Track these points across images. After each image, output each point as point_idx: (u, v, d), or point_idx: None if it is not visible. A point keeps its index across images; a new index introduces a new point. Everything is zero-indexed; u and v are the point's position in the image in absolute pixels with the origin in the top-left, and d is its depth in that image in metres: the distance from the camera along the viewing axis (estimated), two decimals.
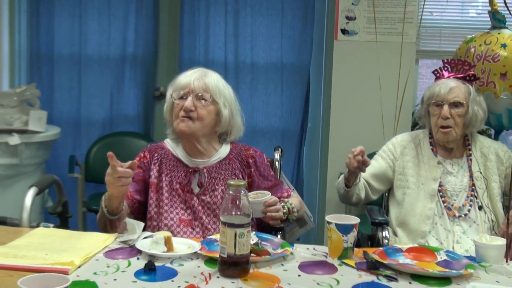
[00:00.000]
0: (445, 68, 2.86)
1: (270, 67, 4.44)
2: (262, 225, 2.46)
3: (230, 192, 1.80)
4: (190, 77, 2.41)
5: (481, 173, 2.76)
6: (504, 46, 2.93)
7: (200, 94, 2.38)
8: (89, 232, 2.19)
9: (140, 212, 2.43)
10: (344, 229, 1.97)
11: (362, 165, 2.55)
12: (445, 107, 2.72)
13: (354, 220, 2.00)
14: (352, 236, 1.98)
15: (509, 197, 2.60)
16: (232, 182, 1.82)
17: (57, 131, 4.19)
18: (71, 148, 4.50)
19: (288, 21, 4.39)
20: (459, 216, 2.70)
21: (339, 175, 4.19)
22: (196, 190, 2.42)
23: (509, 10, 2.87)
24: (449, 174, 2.77)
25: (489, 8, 3.34)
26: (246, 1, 4.39)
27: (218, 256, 1.84)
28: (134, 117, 4.61)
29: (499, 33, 3.06)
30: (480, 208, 2.72)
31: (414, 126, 4.17)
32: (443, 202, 2.72)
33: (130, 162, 2.09)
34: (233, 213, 1.78)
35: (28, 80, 4.49)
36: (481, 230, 2.67)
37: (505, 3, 2.84)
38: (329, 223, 1.99)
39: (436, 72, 2.88)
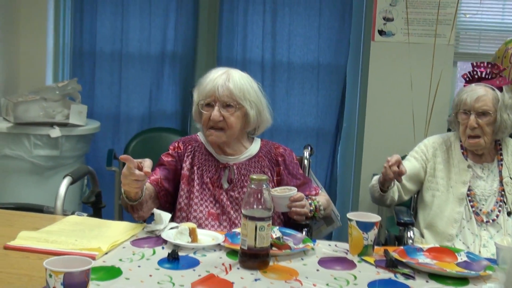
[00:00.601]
0: (475, 73, 2.83)
1: (306, 67, 4.43)
2: (290, 222, 2.47)
3: (252, 186, 1.84)
4: (215, 84, 2.41)
5: (511, 178, 2.74)
6: None
7: (226, 102, 2.39)
8: (119, 221, 2.26)
9: (167, 201, 2.47)
10: (365, 226, 1.99)
11: (398, 176, 2.52)
12: (472, 117, 2.69)
13: (375, 218, 2.02)
14: (372, 233, 1.99)
15: None
16: (254, 176, 1.86)
17: (96, 125, 4.26)
18: (110, 142, 4.55)
19: (326, 21, 4.38)
20: (487, 222, 2.68)
21: (372, 175, 4.19)
22: (226, 185, 2.46)
23: None
24: (479, 179, 2.75)
25: None
26: (284, 0, 4.39)
27: (237, 248, 1.90)
28: (172, 114, 4.64)
29: None
30: (509, 214, 2.69)
31: (450, 129, 4.16)
32: (472, 206, 2.71)
33: (145, 170, 2.09)
34: (255, 206, 1.81)
35: (71, 75, 4.56)
36: (496, 241, 2.64)
37: None
38: (350, 220, 2.01)
39: (465, 77, 2.86)
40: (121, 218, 4.29)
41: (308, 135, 4.40)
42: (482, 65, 2.82)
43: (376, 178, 2.82)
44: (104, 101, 4.59)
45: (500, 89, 2.74)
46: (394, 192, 2.80)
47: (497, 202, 2.71)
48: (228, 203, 2.44)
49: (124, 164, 2.05)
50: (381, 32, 4.20)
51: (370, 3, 4.24)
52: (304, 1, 4.39)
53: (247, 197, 1.84)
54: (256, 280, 1.74)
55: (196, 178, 2.46)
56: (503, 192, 2.72)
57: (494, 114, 2.69)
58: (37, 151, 3.90)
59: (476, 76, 2.81)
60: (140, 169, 2.08)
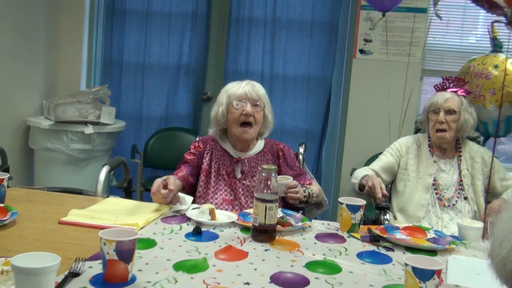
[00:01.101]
0: (444, 84, 2.90)
1: (298, 79, 4.44)
2: (288, 205, 2.50)
3: (263, 174, 1.90)
4: (245, 88, 2.47)
5: (468, 171, 2.80)
6: (496, 66, 2.93)
7: (255, 102, 2.46)
8: (148, 202, 2.30)
9: (191, 191, 2.49)
10: (353, 208, 2.04)
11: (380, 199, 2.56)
12: (441, 114, 2.76)
13: (361, 202, 2.08)
14: (359, 214, 2.05)
15: (487, 191, 2.67)
16: (264, 166, 1.91)
17: (122, 124, 4.27)
18: (133, 138, 4.57)
19: (316, 41, 4.39)
20: (448, 206, 2.74)
21: (351, 170, 4.25)
22: (239, 176, 2.50)
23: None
24: (442, 171, 2.80)
25: (489, 35, 3.37)
26: (281, 23, 4.40)
27: (251, 225, 1.94)
28: (185, 116, 4.65)
29: (495, 56, 3.03)
30: (466, 199, 2.75)
31: (417, 131, 4.21)
32: (436, 194, 2.76)
33: (170, 188, 2.15)
34: (265, 191, 1.87)
35: (101, 82, 4.57)
36: (458, 221, 2.69)
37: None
38: (341, 203, 2.07)
39: (436, 86, 2.92)
40: (142, 200, 4.35)
41: (299, 136, 4.41)
42: (450, 78, 2.88)
43: (357, 177, 2.82)
44: (129, 104, 4.61)
45: (464, 97, 2.82)
46: None
47: (456, 190, 2.76)
48: (240, 190, 2.48)
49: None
50: (361, 51, 4.22)
51: (353, 27, 4.26)
52: (298, 24, 4.40)
53: (259, 183, 1.90)
54: (266, 250, 1.80)
55: (213, 171, 2.50)
56: (461, 183, 2.77)
57: (459, 113, 2.75)
58: (73, 145, 3.93)
59: (445, 86, 2.87)
60: (165, 186, 2.15)
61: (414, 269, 1.40)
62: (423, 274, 1.40)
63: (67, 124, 3.93)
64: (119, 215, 2.04)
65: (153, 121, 4.63)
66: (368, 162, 4.13)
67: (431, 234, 2.07)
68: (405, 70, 4.10)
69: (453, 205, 2.74)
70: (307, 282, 1.55)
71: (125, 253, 1.44)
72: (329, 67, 4.42)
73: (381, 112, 4.17)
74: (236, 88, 2.50)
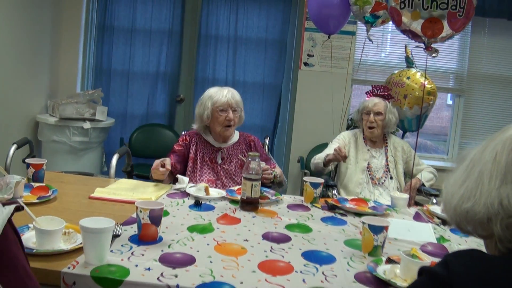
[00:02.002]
0: (373, 91, 3.10)
1: (255, 85, 4.53)
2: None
3: (249, 159, 2.03)
4: (227, 97, 2.55)
5: (392, 157, 3.02)
6: (408, 78, 3.16)
7: (234, 108, 2.55)
8: (151, 182, 2.38)
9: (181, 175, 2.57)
10: (315, 185, 2.20)
11: (344, 158, 2.75)
12: (371, 115, 2.94)
13: (321, 180, 2.23)
14: (319, 190, 2.20)
15: (411, 173, 2.89)
16: (251, 153, 2.06)
17: (112, 121, 4.27)
18: (119, 132, 4.56)
19: (269, 55, 4.49)
20: (378, 184, 2.92)
21: (298, 158, 4.45)
22: (219, 161, 2.59)
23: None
24: (374, 157, 2.98)
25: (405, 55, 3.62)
26: (241, 40, 4.48)
27: (239, 198, 2.08)
28: (163, 114, 4.66)
29: (408, 70, 3.24)
30: (391, 178, 2.95)
31: (348, 127, 4.44)
32: (369, 174, 2.94)
33: (167, 167, 2.24)
34: (251, 172, 2.02)
35: (93, 85, 4.53)
36: (390, 193, 2.89)
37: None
38: (305, 181, 2.22)
39: (367, 93, 3.12)
40: None
41: (256, 130, 4.49)
42: (377, 86, 3.08)
43: (320, 157, 2.93)
44: (116, 104, 4.58)
45: (388, 101, 3.03)
46: (330, 166, 2.99)
47: (384, 172, 2.94)
48: (222, 172, 2.58)
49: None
50: (305, 64, 4.39)
51: (298, 44, 4.40)
52: (255, 41, 4.49)
53: (246, 165, 2.04)
54: (253, 217, 1.95)
55: (198, 158, 2.58)
56: (388, 166, 2.96)
57: (384, 114, 2.94)
58: (74, 138, 3.91)
59: (374, 93, 3.06)
60: (163, 165, 2.24)
61: (370, 226, 1.59)
62: (376, 229, 1.59)
63: (69, 120, 3.91)
64: (134, 191, 2.13)
65: (136, 118, 4.62)
66: (311, 151, 4.37)
67: (371, 204, 2.26)
68: (338, 79, 4.32)
69: (382, 183, 2.92)
70: (289, 238, 1.72)
71: (156, 218, 1.57)
72: (279, 75, 4.54)
73: (320, 112, 4.37)
74: (220, 96, 2.56)
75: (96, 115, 3.98)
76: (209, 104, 2.56)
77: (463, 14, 2.10)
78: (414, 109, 3.03)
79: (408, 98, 3.16)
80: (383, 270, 1.44)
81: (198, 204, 2.04)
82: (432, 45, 2.14)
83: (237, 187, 2.35)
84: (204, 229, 1.73)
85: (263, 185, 2.55)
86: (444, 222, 2.08)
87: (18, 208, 0.73)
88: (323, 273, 1.42)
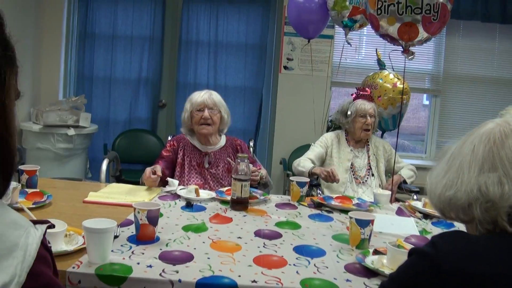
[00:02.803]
0: (358, 93, 3.17)
1: (237, 89, 4.59)
2: None
3: (239, 160, 2.11)
4: (203, 97, 2.63)
5: (374, 156, 3.12)
6: (381, 79, 3.26)
7: (211, 107, 2.63)
8: (141, 186, 2.43)
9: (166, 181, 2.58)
10: (301, 184, 2.29)
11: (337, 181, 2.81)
12: (369, 118, 2.99)
13: (306, 179, 2.34)
14: (305, 188, 2.30)
15: (393, 170, 2.99)
16: (240, 155, 2.14)
17: (95, 127, 4.29)
18: (102, 138, 4.55)
19: (250, 59, 4.57)
20: (361, 182, 3.01)
21: (280, 159, 4.53)
22: (207, 166, 2.63)
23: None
24: (357, 157, 3.06)
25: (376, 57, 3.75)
26: (222, 45, 4.55)
27: (228, 199, 2.15)
28: (145, 119, 4.68)
29: (381, 72, 3.33)
30: (373, 175, 3.04)
31: (328, 128, 4.54)
32: (353, 173, 3.01)
33: (158, 174, 2.32)
34: (240, 173, 2.09)
35: (75, 92, 4.52)
36: (374, 190, 2.99)
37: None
38: (292, 181, 2.31)
39: (353, 94, 3.18)
40: None
41: (238, 133, 4.41)
42: (361, 88, 3.16)
43: (304, 166, 2.97)
44: (98, 110, 4.57)
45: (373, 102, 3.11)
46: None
47: (367, 171, 3.04)
48: (209, 176, 2.62)
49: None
50: (285, 67, 4.48)
51: (278, 48, 4.50)
52: (235, 46, 4.57)
53: (235, 167, 2.11)
54: (244, 216, 2.02)
55: (186, 163, 2.62)
56: (370, 165, 3.06)
57: (374, 116, 3.03)
58: (59, 144, 3.92)
59: (359, 95, 3.11)
60: (154, 173, 2.31)
61: (357, 220, 1.69)
62: (362, 223, 1.68)
63: (53, 127, 3.92)
64: (126, 195, 2.19)
65: (118, 124, 4.64)
66: (293, 153, 4.46)
67: (355, 201, 2.36)
68: (317, 82, 4.44)
69: (365, 181, 3.02)
70: (280, 235, 1.80)
71: (153, 218, 1.63)
72: (260, 79, 4.63)
73: (301, 114, 4.47)
74: (197, 96, 2.66)
75: (80, 121, 4.00)
76: (188, 106, 2.64)
77: (437, 18, 2.22)
78: (388, 109, 3.14)
79: (382, 99, 3.26)
80: (371, 261, 1.54)
81: (189, 205, 2.10)
82: (409, 48, 2.26)
83: (226, 188, 2.43)
84: (198, 229, 1.80)
85: (250, 186, 2.64)
86: (425, 216, 2.19)
87: (50, 227, 0.76)
88: (315, 265, 1.51)
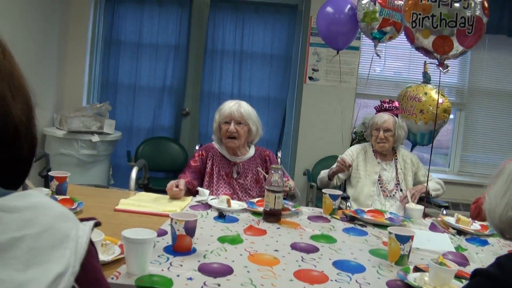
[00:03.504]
0: (382, 106, 3.16)
1: (261, 99, 4.57)
2: None
3: (272, 172, 2.09)
4: (231, 109, 2.60)
5: (402, 170, 3.08)
6: (425, 93, 3.20)
7: (238, 120, 2.60)
8: None
9: (195, 191, 2.56)
10: (334, 197, 2.27)
11: (348, 168, 2.84)
12: (381, 132, 2.98)
13: (339, 192, 2.32)
14: (338, 201, 2.27)
15: (427, 183, 2.93)
16: (274, 166, 2.12)
17: (119, 134, 4.30)
18: (126, 145, 4.58)
19: (274, 69, 4.57)
20: (389, 196, 2.97)
21: (304, 170, 4.51)
22: (235, 176, 2.62)
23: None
24: (384, 170, 3.02)
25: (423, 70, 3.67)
26: (247, 54, 4.56)
27: (258, 210, 2.14)
28: (168, 127, 4.70)
29: (425, 86, 3.26)
30: (401, 190, 2.99)
31: (353, 140, 4.51)
32: (380, 187, 2.98)
33: (180, 188, 2.33)
34: (274, 184, 2.08)
35: (99, 99, 4.56)
36: (401, 204, 2.89)
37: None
38: (324, 193, 2.28)
39: (376, 107, 3.18)
40: None
41: (261, 143, 4.27)
42: (386, 101, 3.14)
43: (323, 173, 3.03)
44: (122, 117, 4.60)
45: (396, 116, 3.08)
46: (334, 181, 3.05)
47: (395, 185, 3.00)
48: (237, 187, 2.61)
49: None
50: (310, 78, 4.47)
51: (303, 59, 4.49)
52: (260, 56, 4.57)
53: (269, 178, 2.10)
54: (278, 228, 2.01)
55: (215, 173, 2.61)
56: (398, 178, 3.02)
57: (393, 130, 2.99)
58: (82, 151, 3.94)
59: (382, 108, 3.12)
60: (177, 186, 2.31)
61: (396, 235, 1.66)
62: (402, 239, 1.65)
63: (77, 133, 3.94)
64: (157, 204, 2.17)
65: (142, 131, 4.66)
66: (316, 164, 4.44)
67: (387, 215, 2.33)
68: (343, 93, 4.43)
69: (393, 195, 2.98)
70: (317, 249, 1.77)
71: (191, 229, 1.62)
72: (284, 89, 4.62)
73: (325, 125, 4.46)
74: (225, 107, 2.63)
75: (104, 128, 4.02)
76: (217, 116, 2.64)
77: (472, 31, 2.19)
78: (429, 124, 3.09)
79: (424, 113, 3.20)
80: (414, 278, 1.51)
81: (222, 216, 2.09)
82: (444, 61, 2.23)
83: (257, 199, 2.41)
84: (234, 240, 1.78)
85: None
86: (459, 232, 2.15)
87: (97, 224, 0.75)
88: (356, 281, 1.48)
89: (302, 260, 1.63)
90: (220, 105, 2.74)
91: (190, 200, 2.33)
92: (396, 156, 3.12)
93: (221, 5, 4.57)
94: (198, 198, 2.35)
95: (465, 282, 1.50)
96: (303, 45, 4.52)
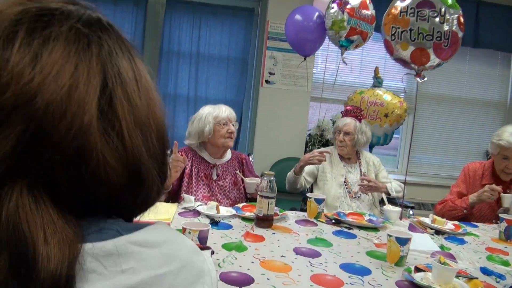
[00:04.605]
0: (347, 111, 3.28)
1: (217, 101, 4.23)
2: (249, 197, 2.73)
3: (265, 178, 2.14)
4: (226, 112, 2.69)
5: (366, 172, 3.20)
6: (386, 97, 3.39)
7: (232, 122, 2.69)
8: (158, 202, 2.40)
9: (175, 191, 2.60)
10: (318, 201, 2.34)
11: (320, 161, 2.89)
12: (341, 135, 3.10)
13: (323, 196, 2.41)
14: (322, 205, 2.35)
15: (404, 184, 3.08)
16: (266, 172, 2.16)
17: None
18: None
19: (231, 72, 4.59)
20: (355, 197, 3.08)
21: (261, 173, 4.55)
22: (215, 177, 2.66)
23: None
24: (350, 172, 3.14)
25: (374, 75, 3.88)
26: (204, 57, 4.53)
27: (246, 215, 2.19)
28: None
29: (380, 89, 3.42)
30: (366, 193, 3.16)
31: (307, 142, 4.64)
32: (346, 188, 3.08)
33: (184, 157, 2.36)
34: (266, 190, 2.12)
35: None
36: (366, 205, 3.05)
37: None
38: (309, 197, 2.35)
39: (342, 112, 3.31)
40: None
41: None
42: (351, 106, 3.28)
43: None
44: None
45: (360, 120, 3.22)
46: (302, 181, 3.09)
47: (359, 186, 3.07)
48: (216, 188, 2.64)
49: None
50: (267, 81, 4.54)
51: (259, 62, 4.55)
52: (217, 58, 4.57)
53: (261, 184, 2.14)
54: (273, 233, 2.05)
55: (193, 174, 2.63)
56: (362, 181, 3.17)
57: (353, 134, 3.11)
58: None
59: (347, 113, 3.24)
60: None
61: (397, 238, 1.77)
62: (402, 241, 1.76)
63: None
64: (147, 212, 2.14)
65: None
66: (273, 166, 4.52)
67: (366, 217, 2.45)
68: (297, 96, 4.55)
69: (359, 196, 3.10)
70: (319, 253, 1.84)
71: (204, 239, 1.63)
72: (241, 92, 4.65)
73: (281, 127, 4.56)
74: (220, 111, 2.69)
75: None
76: (210, 119, 2.65)
77: (448, 45, 2.37)
78: (393, 125, 3.27)
79: (389, 116, 3.36)
80: (420, 278, 1.62)
81: (215, 223, 2.10)
82: (421, 72, 2.39)
83: (242, 204, 2.45)
84: (239, 248, 1.81)
85: (253, 200, 2.66)
86: (437, 232, 2.31)
87: (212, 253, 0.76)
88: (369, 283, 1.57)
89: (311, 265, 1.69)
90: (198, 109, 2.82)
91: (176, 207, 2.32)
92: (360, 159, 3.25)
93: (177, 6, 4.52)
94: (184, 204, 2.34)
95: (463, 279, 1.64)
96: (260, 48, 4.59)
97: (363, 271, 1.68)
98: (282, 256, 1.76)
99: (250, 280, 1.49)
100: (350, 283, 1.55)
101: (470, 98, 4.99)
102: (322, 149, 2.97)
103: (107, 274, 0.56)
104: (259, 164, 4.56)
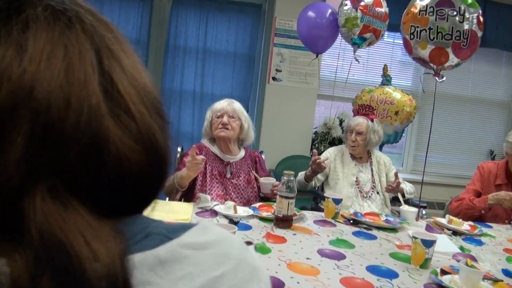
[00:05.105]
0: (359, 110, 3.27)
1: (223, 97, 4.38)
2: (261, 196, 2.71)
3: (285, 178, 2.11)
4: (223, 104, 2.66)
5: (377, 172, 3.21)
6: (396, 95, 3.38)
7: (230, 114, 2.65)
8: (174, 201, 2.38)
9: (188, 189, 2.55)
10: (336, 201, 2.32)
11: (320, 168, 2.86)
12: (353, 135, 3.09)
13: (340, 196, 2.39)
14: (340, 205, 2.33)
15: (422, 180, 3.07)
16: (286, 172, 2.14)
17: None
18: None
19: (238, 68, 4.55)
20: (366, 197, 3.07)
21: (268, 171, 4.53)
22: (229, 175, 2.63)
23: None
24: (361, 172, 3.13)
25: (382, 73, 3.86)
26: (210, 53, 4.50)
27: (263, 215, 2.17)
28: None
29: (389, 87, 3.39)
30: (378, 193, 3.12)
31: (313, 140, 4.62)
32: (358, 188, 3.08)
33: (202, 158, 2.33)
34: (286, 190, 2.10)
35: None
36: (378, 205, 3.05)
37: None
38: (327, 197, 2.34)
39: (354, 111, 3.30)
40: None
41: None
42: (364, 106, 3.28)
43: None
44: None
45: (372, 120, 3.22)
46: (313, 182, 3.11)
47: (371, 186, 3.11)
48: (230, 187, 2.61)
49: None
50: (274, 78, 4.52)
51: (266, 59, 4.52)
52: (223, 54, 4.53)
53: (281, 184, 2.12)
54: (294, 234, 2.03)
55: (208, 172, 2.60)
56: (373, 179, 3.13)
57: (365, 134, 3.11)
58: None
59: (359, 112, 3.25)
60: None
61: (422, 240, 1.76)
62: (427, 243, 1.75)
63: None
64: (166, 212, 2.11)
65: None
66: (279, 164, 4.51)
67: (383, 217, 2.44)
68: (304, 94, 4.53)
69: (370, 196, 3.09)
70: (343, 255, 1.83)
71: None
72: (247, 89, 4.62)
73: (287, 125, 4.54)
74: (217, 104, 2.71)
75: None
76: (208, 114, 2.69)
77: (467, 44, 2.35)
78: (403, 123, 3.26)
79: (399, 114, 3.35)
80: (449, 280, 1.61)
81: (234, 223, 2.07)
82: (440, 72, 2.37)
83: (258, 204, 2.42)
84: (263, 249, 1.79)
85: (270, 200, 2.65)
86: (454, 232, 2.31)
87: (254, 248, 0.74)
88: (398, 286, 1.56)
89: (338, 268, 1.68)
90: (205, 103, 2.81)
91: (192, 207, 2.29)
92: (371, 158, 3.24)
93: (184, 1, 4.47)
94: (200, 204, 2.32)
95: (489, 282, 1.63)
96: (267, 45, 4.55)
97: (391, 274, 1.67)
98: (307, 258, 1.74)
99: (281, 284, 1.47)
100: (380, 287, 1.54)
101: (475, 97, 4.99)
102: (322, 158, 2.93)
103: (163, 284, 0.53)
104: (266, 162, 4.54)
